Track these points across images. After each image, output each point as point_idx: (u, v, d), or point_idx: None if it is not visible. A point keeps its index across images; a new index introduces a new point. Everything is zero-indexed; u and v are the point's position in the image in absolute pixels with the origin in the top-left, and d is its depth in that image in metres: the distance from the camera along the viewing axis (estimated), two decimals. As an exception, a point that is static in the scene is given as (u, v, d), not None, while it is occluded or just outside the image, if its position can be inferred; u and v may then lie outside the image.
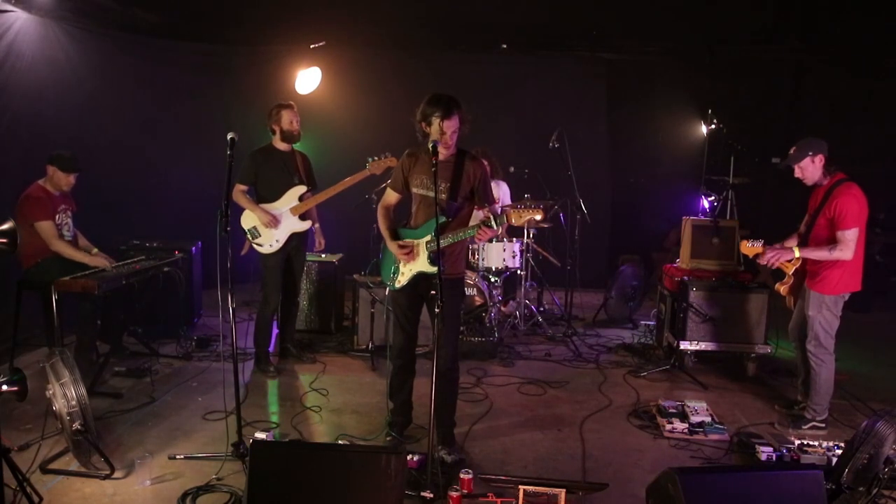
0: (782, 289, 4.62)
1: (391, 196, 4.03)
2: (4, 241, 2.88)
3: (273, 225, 5.14)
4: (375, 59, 8.07)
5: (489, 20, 7.61)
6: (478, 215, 3.99)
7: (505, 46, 8.12)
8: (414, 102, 3.83)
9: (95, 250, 5.05)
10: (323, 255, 6.30)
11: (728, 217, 6.69)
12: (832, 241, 4.20)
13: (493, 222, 3.68)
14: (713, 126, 7.09)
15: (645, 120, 8.42)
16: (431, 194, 3.72)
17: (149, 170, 7.17)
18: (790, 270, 4.52)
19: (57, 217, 4.83)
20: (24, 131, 5.66)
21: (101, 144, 6.52)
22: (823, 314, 4.31)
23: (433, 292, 3.54)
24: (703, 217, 6.19)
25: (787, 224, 4.83)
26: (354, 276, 5.95)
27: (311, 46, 7.78)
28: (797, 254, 4.30)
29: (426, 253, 3.84)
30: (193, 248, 6.27)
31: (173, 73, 7.41)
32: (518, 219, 3.73)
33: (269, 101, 5.44)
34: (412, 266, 3.90)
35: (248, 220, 5.18)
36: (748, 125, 7.69)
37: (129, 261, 5.19)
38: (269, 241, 5.17)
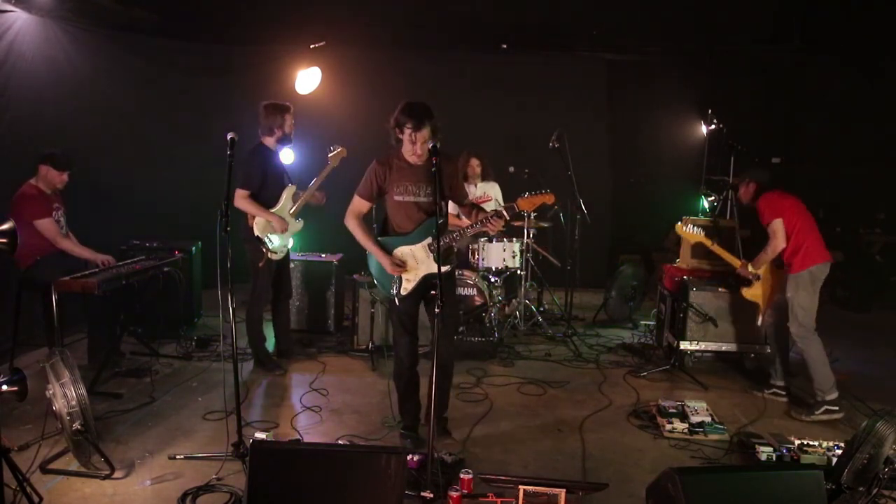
0: (749, 294, 5.12)
1: (363, 205, 3.95)
2: (4, 241, 2.88)
3: (285, 230, 5.04)
4: (375, 59, 8.06)
5: (489, 20, 7.61)
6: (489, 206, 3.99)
7: (505, 46, 8.11)
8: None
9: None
10: (323, 256, 6.30)
11: (728, 217, 6.69)
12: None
13: (503, 212, 3.75)
14: (713, 126, 7.08)
15: (645, 120, 8.42)
16: (419, 199, 3.82)
17: (149, 169, 7.15)
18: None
19: (53, 214, 4.82)
20: (24, 131, 5.64)
21: (101, 144, 6.52)
22: (799, 293, 4.68)
23: (433, 292, 3.55)
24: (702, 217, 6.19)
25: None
26: (354, 276, 5.94)
27: (311, 46, 7.77)
28: (751, 268, 5.02)
29: (431, 255, 3.85)
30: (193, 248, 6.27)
31: (173, 72, 7.40)
32: (529, 205, 3.81)
33: (269, 101, 5.42)
34: (417, 271, 3.91)
35: (261, 227, 4.93)
36: (748, 125, 7.69)
37: (129, 261, 5.18)
38: (280, 248, 5.12)
